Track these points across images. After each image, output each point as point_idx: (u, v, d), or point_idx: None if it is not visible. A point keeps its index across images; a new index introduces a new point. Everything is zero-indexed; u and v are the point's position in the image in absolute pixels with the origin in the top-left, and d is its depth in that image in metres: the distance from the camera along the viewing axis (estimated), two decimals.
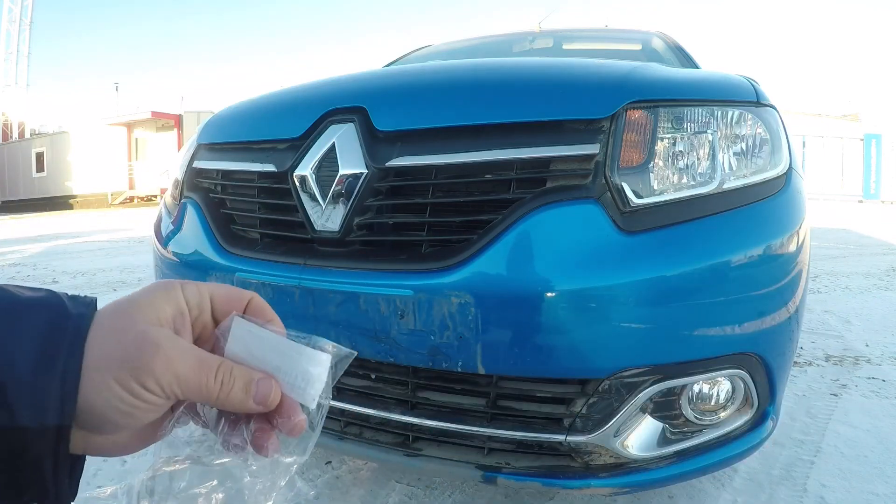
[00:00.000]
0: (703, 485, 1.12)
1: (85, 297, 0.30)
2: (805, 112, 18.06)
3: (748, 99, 0.90)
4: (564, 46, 2.28)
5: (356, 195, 0.83)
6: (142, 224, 8.80)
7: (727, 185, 0.82)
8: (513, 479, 0.79)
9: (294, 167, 0.89)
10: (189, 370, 0.27)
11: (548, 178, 0.78)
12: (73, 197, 20.15)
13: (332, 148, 0.86)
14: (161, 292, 0.30)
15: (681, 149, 0.82)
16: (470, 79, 0.96)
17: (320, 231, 0.87)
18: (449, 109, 0.85)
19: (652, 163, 0.80)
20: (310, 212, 0.88)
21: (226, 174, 1.05)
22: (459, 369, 0.76)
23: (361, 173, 0.83)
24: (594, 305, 0.72)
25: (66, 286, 3.32)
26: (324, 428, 0.92)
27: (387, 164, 0.82)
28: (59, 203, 19.88)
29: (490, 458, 0.82)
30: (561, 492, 1.06)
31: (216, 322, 0.32)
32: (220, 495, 0.29)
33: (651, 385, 0.77)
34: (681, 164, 0.82)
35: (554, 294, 0.72)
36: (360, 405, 0.88)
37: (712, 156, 0.83)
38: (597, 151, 0.78)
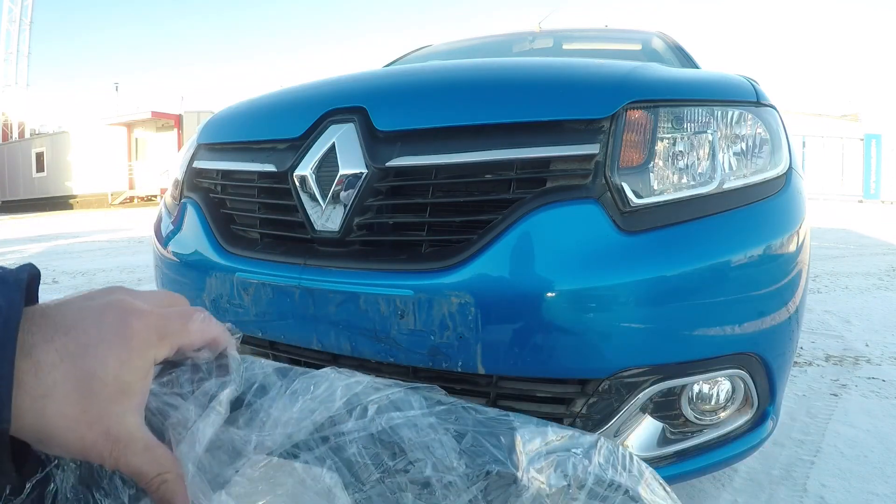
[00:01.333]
0: (703, 485, 1.12)
1: (13, 271, 0.28)
2: (805, 112, 18.07)
3: (748, 99, 0.90)
4: (564, 46, 2.28)
5: (356, 195, 0.83)
6: (142, 224, 8.81)
7: (727, 185, 0.82)
8: None
9: (294, 167, 0.89)
10: (138, 463, 0.28)
11: (548, 178, 0.78)
12: (73, 197, 20.16)
13: (332, 148, 0.86)
14: (139, 361, 0.29)
15: (681, 149, 0.82)
16: (470, 79, 0.96)
17: (320, 231, 0.87)
18: (449, 109, 0.85)
19: (652, 163, 0.80)
20: (310, 212, 0.88)
21: (226, 174, 1.05)
22: (459, 369, 0.76)
23: (361, 173, 0.83)
24: (594, 305, 0.72)
25: (67, 286, 3.32)
26: None
27: (387, 164, 0.82)
28: (59, 203, 19.89)
29: None
30: None
31: None
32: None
33: (651, 385, 0.77)
34: (681, 164, 0.82)
35: (554, 294, 0.72)
36: None
37: (712, 156, 0.83)
38: (597, 151, 0.78)
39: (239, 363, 0.36)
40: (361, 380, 0.37)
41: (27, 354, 0.25)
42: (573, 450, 0.36)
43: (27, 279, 0.28)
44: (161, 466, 0.28)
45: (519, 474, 0.34)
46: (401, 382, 0.38)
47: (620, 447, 0.37)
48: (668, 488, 0.36)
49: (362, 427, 0.34)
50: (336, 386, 0.36)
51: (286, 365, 0.39)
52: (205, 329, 0.34)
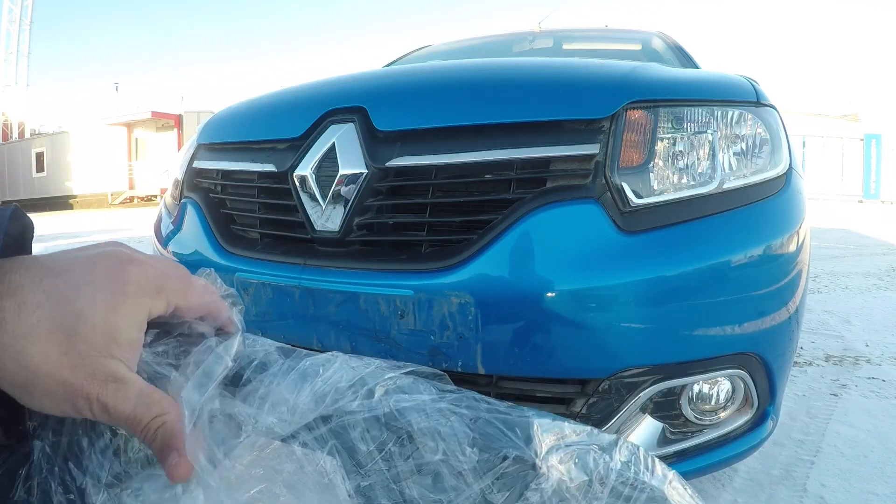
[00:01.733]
0: (703, 485, 1.12)
1: None
2: (805, 112, 18.07)
3: (748, 99, 0.90)
4: (564, 46, 2.28)
5: (356, 195, 0.83)
6: (142, 224, 8.80)
7: (727, 185, 0.82)
8: None
9: (294, 167, 0.89)
10: (130, 408, 0.26)
11: (548, 178, 0.78)
12: (73, 197, 20.16)
13: (332, 148, 0.86)
14: (132, 308, 0.27)
15: (681, 149, 0.82)
16: (470, 79, 0.96)
17: (320, 231, 0.87)
18: (449, 109, 0.85)
19: (652, 163, 0.80)
20: (310, 212, 0.88)
21: (226, 174, 1.05)
22: (459, 369, 0.76)
23: (361, 173, 0.83)
24: (594, 305, 0.72)
25: None
26: None
27: (387, 164, 0.82)
28: (59, 203, 19.88)
29: None
30: None
31: None
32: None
33: (651, 385, 0.77)
34: (681, 164, 0.82)
35: (554, 294, 0.72)
36: None
37: (712, 156, 0.83)
38: (597, 151, 0.78)
39: (243, 328, 0.34)
40: (370, 362, 0.35)
41: (12, 294, 0.24)
42: (593, 445, 0.33)
43: (12, 217, 0.26)
44: (159, 409, 0.26)
45: (538, 462, 0.31)
46: (409, 365, 0.36)
47: (642, 448, 0.34)
48: (694, 493, 0.33)
49: (368, 408, 0.32)
50: (343, 368, 0.34)
51: (288, 346, 0.37)
52: (206, 295, 0.32)
